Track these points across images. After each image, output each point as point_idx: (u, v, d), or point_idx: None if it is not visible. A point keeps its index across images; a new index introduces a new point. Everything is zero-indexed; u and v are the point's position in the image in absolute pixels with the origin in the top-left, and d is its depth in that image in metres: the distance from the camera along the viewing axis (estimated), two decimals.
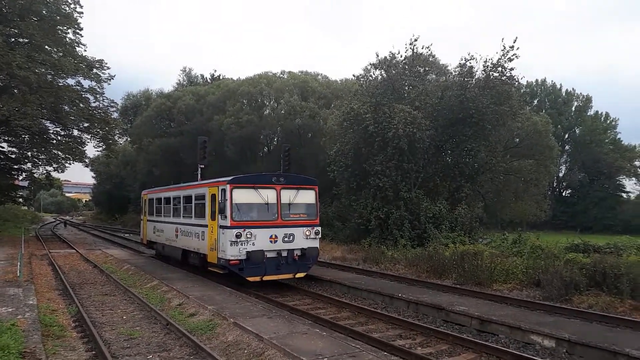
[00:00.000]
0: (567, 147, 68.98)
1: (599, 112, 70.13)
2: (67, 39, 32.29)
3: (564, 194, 69.94)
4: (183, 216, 17.93)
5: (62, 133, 37.57)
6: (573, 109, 70.54)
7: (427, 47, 28.11)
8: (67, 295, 14.25)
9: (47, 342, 9.22)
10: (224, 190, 14.15)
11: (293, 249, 14.65)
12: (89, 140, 38.06)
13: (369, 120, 24.54)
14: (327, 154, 29.76)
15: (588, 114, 70.06)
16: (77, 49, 33.16)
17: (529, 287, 14.54)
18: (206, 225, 15.42)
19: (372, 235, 24.37)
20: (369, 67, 29.48)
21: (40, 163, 41.14)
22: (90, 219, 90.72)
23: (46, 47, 30.89)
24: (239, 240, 13.69)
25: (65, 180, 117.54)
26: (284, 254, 14.51)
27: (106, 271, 18.80)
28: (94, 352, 8.94)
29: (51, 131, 37.14)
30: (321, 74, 49.64)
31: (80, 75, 33.30)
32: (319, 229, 15.40)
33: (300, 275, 15.03)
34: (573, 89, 71.81)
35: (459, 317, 11.58)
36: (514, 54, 24.61)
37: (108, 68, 34.72)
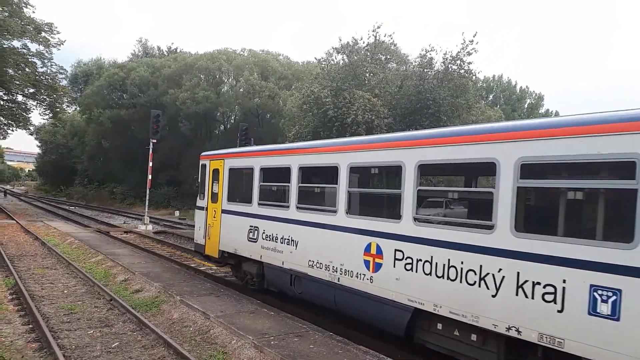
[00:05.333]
0: None
1: (549, 110, 73.41)
2: None
3: None
4: (416, 218, 7.20)
5: (5, 98, 35.58)
6: (526, 106, 73.45)
7: (390, 35, 28.31)
8: (4, 267, 13.64)
9: None
10: None
11: None
12: (34, 107, 36.38)
13: (328, 105, 24.48)
14: (285, 136, 29.54)
15: (539, 111, 73.14)
16: (25, 9, 31.28)
17: None
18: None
19: None
20: (331, 51, 29.36)
21: None
22: (34, 189, 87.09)
23: None
24: None
25: (7, 148, 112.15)
26: None
27: (48, 244, 18.07)
28: (31, 326, 8.61)
29: None
30: (283, 54, 49.13)
31: (27, 38, 31.48)
32: None
33: None
34: (527, 86, 74.68)
35: None
36: (472, 48, 25.12)
37: (58, 32, 32.95)
